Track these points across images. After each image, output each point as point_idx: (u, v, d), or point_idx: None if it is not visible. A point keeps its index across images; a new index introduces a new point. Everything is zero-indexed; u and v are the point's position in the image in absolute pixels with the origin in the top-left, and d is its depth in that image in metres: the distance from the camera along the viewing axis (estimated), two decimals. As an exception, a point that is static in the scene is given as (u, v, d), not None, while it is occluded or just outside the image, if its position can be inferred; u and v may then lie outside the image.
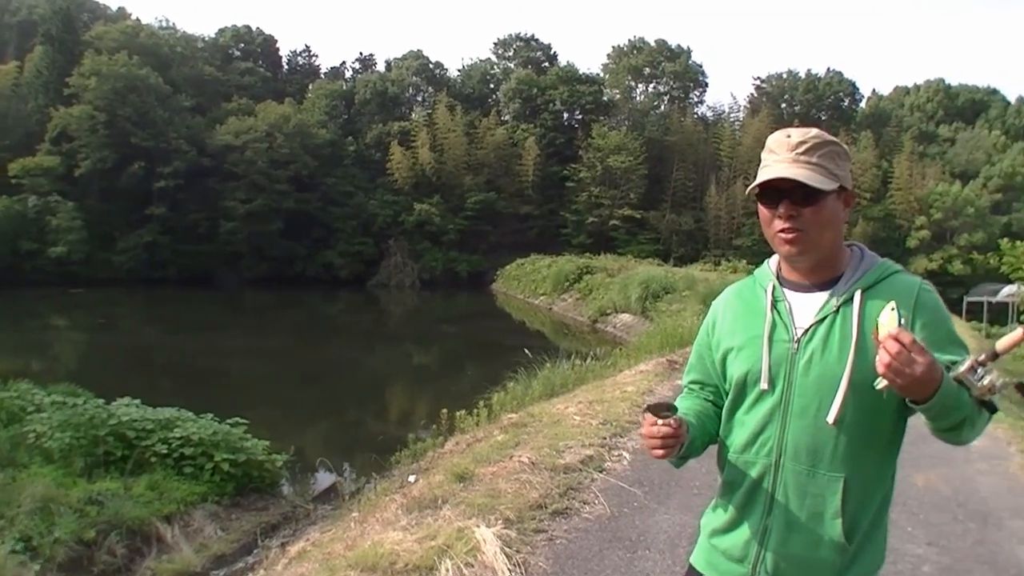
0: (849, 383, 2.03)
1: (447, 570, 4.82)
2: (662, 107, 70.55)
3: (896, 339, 1.81)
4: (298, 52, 73.17)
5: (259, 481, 9.34)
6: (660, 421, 2.09)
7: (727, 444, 2.27)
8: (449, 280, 56.45)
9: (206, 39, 67.47)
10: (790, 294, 2.21)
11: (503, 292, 49.68)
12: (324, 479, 11.09)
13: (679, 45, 72.25)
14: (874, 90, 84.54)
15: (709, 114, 72.89)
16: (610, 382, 12.06)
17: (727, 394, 2.29)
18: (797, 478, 2.11)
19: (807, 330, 2.13)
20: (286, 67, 71.91)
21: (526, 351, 13.58)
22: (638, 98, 72.52)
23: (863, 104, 77.34)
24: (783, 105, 72.23)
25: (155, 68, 54.41)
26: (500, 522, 5.55)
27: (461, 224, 58.25)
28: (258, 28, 69.93)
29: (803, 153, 2.09)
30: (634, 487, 6.55)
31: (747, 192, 2.16)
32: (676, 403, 2.25)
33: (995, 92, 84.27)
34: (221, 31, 68.46)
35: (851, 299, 2.11)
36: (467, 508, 5.91)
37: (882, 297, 2.07)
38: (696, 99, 73.78)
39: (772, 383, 2.14)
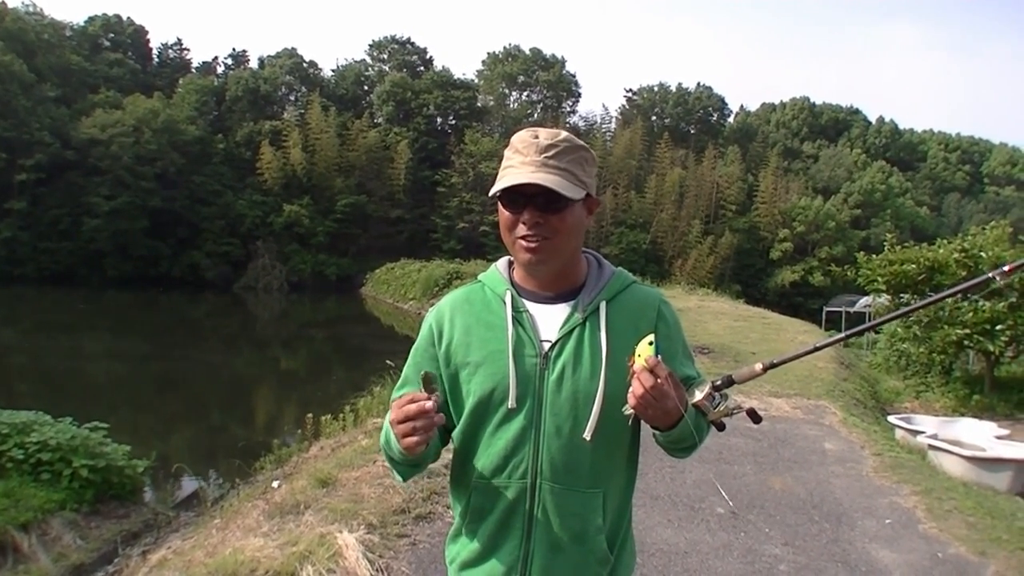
0: (603, 399, 1.99)
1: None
2: (535, 115, 70.77)
3: (652, 372, 1.81)
4: (169, 45, 70.63)
5: (120, 488, 9.07)
6: (428, 394, 1.88)
7: (472, 467, 2.11)
8: (318, 283, 55.50)
9: (74, 27, 64.26)
10: (530, 305, 2.10)
11: (372, 296, 49.25)
12: (187, 486, 10.90)
13: (553, 54, 73.38)
14: (742, 106, 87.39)
15: (581, 124, 73.65)
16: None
17: (459, 412, 2.14)
18: (556, 498, 2.02)
19: (554, 344, 2.05)
20: (156, 60, 69.21)
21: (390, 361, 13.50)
22: (512, 105, 73.03)
23: (731, 119, 79.77)
24: (653, 117, 73.93)
25: (19, 55, 51.77)
26: (363, 527, 5.54)
27: (331, 226, 57.51)
28: (128, 18, 67.45)
29: (551, 157, 1.98)
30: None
31: (490, 193, 2.04)
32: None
33: (857, 112, 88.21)
34: (90, 19, 65.50)
35: (596, 312, 2.07)
36: (330, 513, 5.88)
37: (625, 309, 2.10)
38: (569, 108, 74.81)
39: (520, 402, 2.02)
